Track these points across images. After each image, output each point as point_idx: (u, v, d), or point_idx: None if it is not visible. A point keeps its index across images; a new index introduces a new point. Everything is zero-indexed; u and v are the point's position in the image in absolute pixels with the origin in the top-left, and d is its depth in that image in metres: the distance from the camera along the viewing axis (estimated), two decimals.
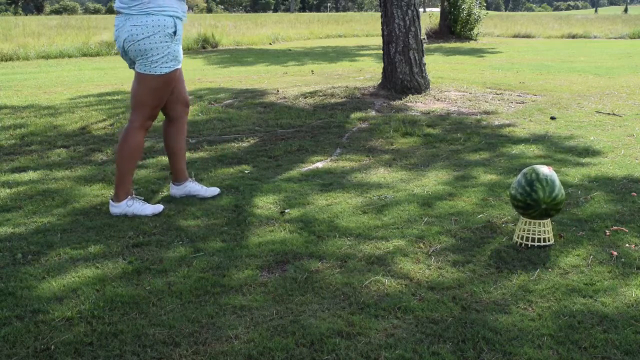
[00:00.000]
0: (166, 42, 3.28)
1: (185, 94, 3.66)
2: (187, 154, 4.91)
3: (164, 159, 4.79)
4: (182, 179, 3.75)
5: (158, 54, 3.28)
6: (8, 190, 3.97)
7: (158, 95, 3.40)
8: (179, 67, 3.41)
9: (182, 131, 3.69)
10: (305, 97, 7.52)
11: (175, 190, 3.77)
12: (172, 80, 3.40)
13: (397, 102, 7.00)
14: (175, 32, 3.30)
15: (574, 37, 22.89)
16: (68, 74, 10.77)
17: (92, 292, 2.54)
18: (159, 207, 3.52)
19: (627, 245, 2.99)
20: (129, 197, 3.48)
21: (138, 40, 3.25)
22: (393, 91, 7.42)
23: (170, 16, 3.27)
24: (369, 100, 7.18)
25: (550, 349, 2.11)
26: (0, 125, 6.02)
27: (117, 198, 3.46)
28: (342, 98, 7.38)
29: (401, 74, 7.41)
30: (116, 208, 3.46)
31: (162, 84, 3.37)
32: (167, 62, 3.31)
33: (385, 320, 2.31)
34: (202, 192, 3.75)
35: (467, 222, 3.32)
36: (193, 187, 3.77)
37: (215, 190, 3.80)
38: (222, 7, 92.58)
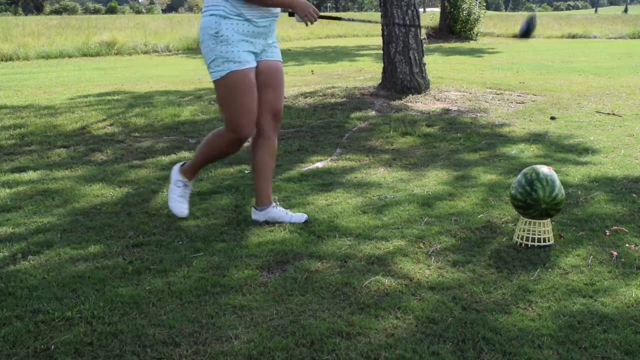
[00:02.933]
0: (212, 44, 3.00)
1: (277, 103, 3.23)
2: (187, 154, 4.91)
3: (164, 158, 4.79)
4: (266, 203, 3.32)
5: (208, 59, 3.06)
6: (8, 190, 3.96)
7: (228, 102, 3.08)
8: (238, 69, 3.01)
9: (269, 147, 3.28)
10: (305, 97, 7.52)
11: (257, 215, 3.34)
12: (235, 84, 3.04)
13: (397, 102, 7.00)
14: (217, 33, 2.97)
15: (574, 37, 22.89)
16: (68, 74, 10.77)
17: (92, 292, 2.54)
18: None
19: (627, 245, 2.99)
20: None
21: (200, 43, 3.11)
22: (393, 91, 7.42)
23: (212, 15, 2.98)
24: (368, 100, 7.18)
25: (550, 349, 2.11)
26: (0, 125, 6.02)
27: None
28: (342, 98, 7.38)
29: (401, 74, 7.41)
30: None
31: (224, 89, 3.06)
32: (218, 66, 3.02)
33: (385, 320, 2.31)
34: (286, 219, 3.32)
35: (467, 222, 3.32)
36: (277, 213, 3.33)
37: (302, 217, 3.35)
38: None
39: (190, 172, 3.40)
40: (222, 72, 3.02)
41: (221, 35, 2.97)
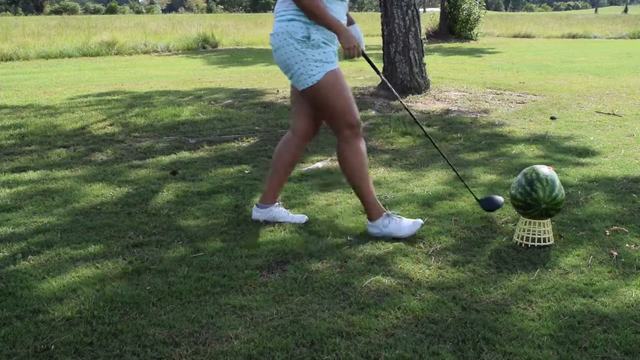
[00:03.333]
0: (301, 48, 2.92)
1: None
2: (187, 154, 4.91)
3: (164, 158, 4.79)
4: (269, 202, 3.32)
5: (295, 63, 2.95)
6: (8, 190, 3.96)
7: (333, 101, 3.00)
8: (333, 68, 2.98)
9: (295, 150, 3.28)
10: None
11: (258, 213, 3.34)
12: (335, 82, 2.98)
13: (397, 102, 6.99)
14: (308, 37, 2.91)
15: (574, 37, 22.90)
16: (68, 74, 10.77)
17: (92, 292, 2.54)
18: (418, 223, 3.13)
19: (627, 245, 2.99)
20: (384, 214, 3.13)
21: (274, 51, 3.01)
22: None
23: (295, 20, 2.92)
24: (369, 100, 7.18)
25: (550, 349, 2.11)
26: (0, 125, 6.02)
27: (372, 218, 3.14)
28: None
29: (401, 74, 7.41)
30: (374, 228, 3.13)
31: (325, 90, 2.98)
32: (312, 70, 2.94)
33: (385, 320, 2.31)
34: (288, 219, 3.33)
35: (467, 222, 3.32)
36: (279, 212, 3.34)
37: (302, 218, 3.36)
38: (222, 7, 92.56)
39: (373, 209, 3.14)
40: (319, 75, 2.94)
41: (312, 40, 2.91)
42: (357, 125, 3.08)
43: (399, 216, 3.16)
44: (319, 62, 2.94)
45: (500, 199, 3.31)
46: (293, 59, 2.94)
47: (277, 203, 3.35)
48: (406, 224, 3.11)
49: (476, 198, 3.38)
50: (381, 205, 3.17)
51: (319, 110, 3.10)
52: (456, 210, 3.50)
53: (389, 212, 3.17)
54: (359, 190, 3.14)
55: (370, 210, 3.13)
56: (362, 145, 3.12)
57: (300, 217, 3.36)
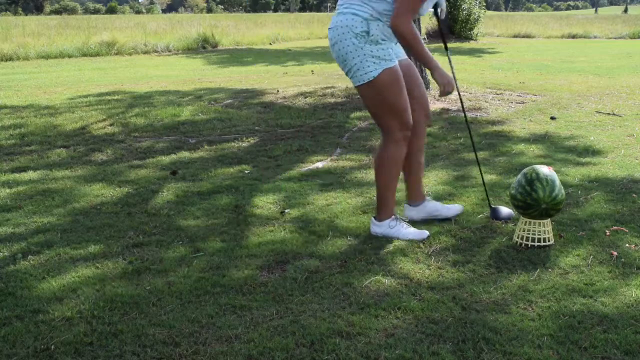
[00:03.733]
0: (359, 43, 2.86)
1: (425, 99, 3.17)
2: (187, 154, 4.91)
3: (164, 158, 4.79)
4: (419, 199, 3.30)
5: (352, 58, 2.88)
6: (8, 190, 3.97)
7: (388, 101, 2.93)
8: (391, 65, 2.90)
9: (420, 143, 3.22)
10: (305, 97, 7.52)
11: (412, 212, 3.29)
12: (392, 80, 2.90)
13: None
14: (367, 32, 2.85)
15: (574, 37, 22.90)
16: (68, 74, 10.77)
17: (92, 292, 2.54)
18: (424, 233, 3.08)
19: (627, 245, 2.99)
20: (392, 217, 3.11)
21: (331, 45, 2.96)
22: None
23: (355, 14, 2.87)
24: None
25: (550, 349, 2.11)
26: (0, 125, 6.02)
27: (379, 217, 3.12)
28: (342, 98, 7.38)
29: None
30: (378, 227, 3.12)
31: (380, 88, 2.90)
32: (369, 66, 2.87)
33: (385, 320, 2.31)
34: (443, 212, 3.30)
35: (467, 222, 3.31)
36: (433, 206, 3.31)
37: (458, 208, 3.34)
38: (222, 7, 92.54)
39: (384, 209, 3.11)
40: (375, 72, 2.87)
41: (371, 35, 2.85)
42: (409, 129, 3.02)
43: (407, 224, 3.15)
44: (376, 58, 2.86)
45: (510, 213, 3.33)
46: (350, 54, 2.88)
47: (427, 198, 3.35)
48: (412, 231, 3.09)
49: (490, 205, 3.40)
50: (394, 208, 3.15)
51: (371, 108, 3.03)
52: None
53: (398, 216, 3.15)
54: (383, 190, 3.10)
55: (383, 209, 3.11)
56: (405, 149, 3.06)
57: (456, 208, 3.35)
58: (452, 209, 3.35)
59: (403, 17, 2.84)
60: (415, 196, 3.30)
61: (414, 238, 3.06)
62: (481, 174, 3.60)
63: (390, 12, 2.87)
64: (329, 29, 2.97)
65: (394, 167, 3.07)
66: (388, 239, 3.08)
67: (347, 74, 2.99)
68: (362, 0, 2.88)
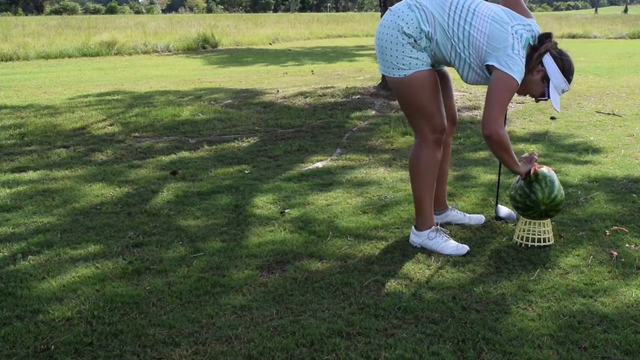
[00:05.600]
0: (401, 40, 2.76)
1: (454, 109, 3.11)
2: (187, 154, 4.91)
3: (164, 158, 4.79)
4: (442, 207, 3.27)
5: (391, 50, 2.79)
6: (8, 190, 3.97)
7: (423, 102, 2.84)
8: (424, 68, 2.81)
9: (448, 153, 3.20)
10: (305, 97, 7.52)
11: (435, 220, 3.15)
12: (423, 82, 2.81)
13: (397, 102, 6.99)
14: (416, 40, 2.76)
15: (573, 37, 22.88)
16: (68, 74, 10.77)
17: (92, 292, 2.54)
18: (464, 248, 2.93)
19: (627, 245, 2.99)
20: (432, 228, 2.98)
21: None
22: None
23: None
24: (368, 100, 7.18)
25: (550, 349, 2.11)
26: (0, 125, 6.02)
27: (418, 227, 3.00)
28: (342, 98, 7.38)
29: None
30: (417, 237, 3.00)
31: (414, 88, 2.82)
32: (404, 64, 2.78)
33: (385, 320, 2.31)
34: (465, 221, 3.28)
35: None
36: (455, 215, 3.29)
37: (480, 218, 3.31)
38: (222, 7, 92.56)
39: (422, 218, 3.00)
40: (408, 72, 2.79)
41: (418, 42, 2.76)
42: (442, 132, 2.92)
43: (448, 235, 3.03)
44: (413, 59, 2.78)
45: (512, 215, 3.34)
46: (390, 45, 2.78)
47: (450, 207, 3.32)
48: (452, 245, 2.94)
49: (496, 203, 3.40)
50: (434, 218, 3.04)
51: (400, 105, 2.98)
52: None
53: (439, 227, 3.03)
54: (420, 195, 2.98)
55: (421, 219, 2.99)
56: (439, 154, 2.96)
57: (478, 218, 3.31)
58: (473, 218, 3.31)
59: (495, 124, 2.68)
60: (438, 204, 3.23)
61: (451, 253, 2.91)
62: (498, 184, 3.58)
63: (464, 53, 2.77)
64: (389, 10, 2.86)
65: (427, 172, 2.95)
66: (389, 239, 3.08)
67: (379, 62, 2.92)
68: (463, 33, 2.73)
